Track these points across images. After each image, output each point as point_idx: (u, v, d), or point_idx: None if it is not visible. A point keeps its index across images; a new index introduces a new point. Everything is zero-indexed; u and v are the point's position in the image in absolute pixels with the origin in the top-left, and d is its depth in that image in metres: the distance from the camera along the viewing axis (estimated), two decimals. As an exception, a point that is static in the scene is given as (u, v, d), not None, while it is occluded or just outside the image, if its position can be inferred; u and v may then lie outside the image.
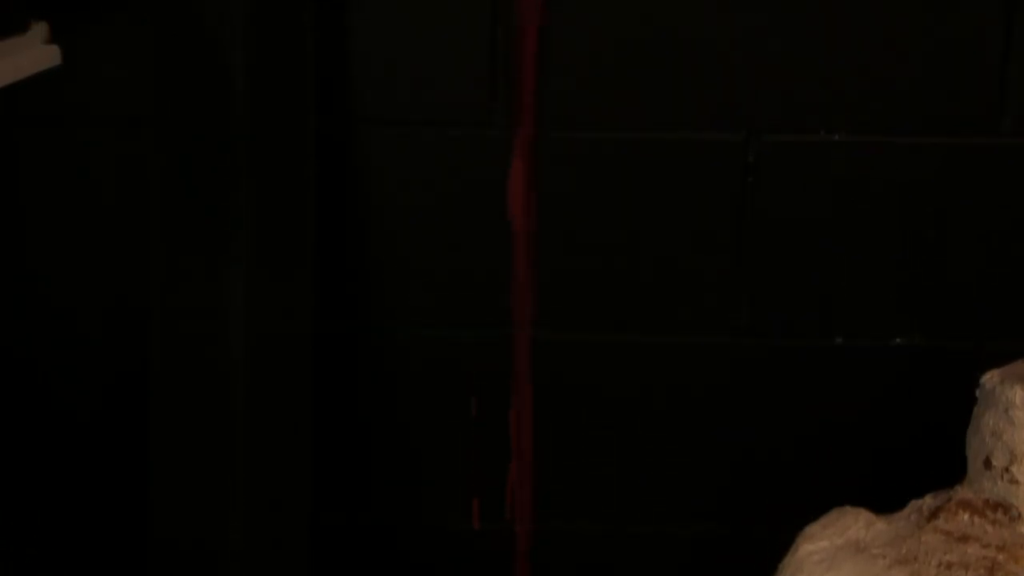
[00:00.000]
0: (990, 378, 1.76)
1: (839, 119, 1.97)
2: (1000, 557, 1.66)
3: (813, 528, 1.78)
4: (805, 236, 2.02)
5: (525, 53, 1.96)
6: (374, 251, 2.04)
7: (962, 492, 1.76)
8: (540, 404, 2.07)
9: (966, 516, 1.73)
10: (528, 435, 2.07)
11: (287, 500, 1.98)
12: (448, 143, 2.01)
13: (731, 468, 2.09)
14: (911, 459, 2.06)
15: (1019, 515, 1.71)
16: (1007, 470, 1.72)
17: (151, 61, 1.90)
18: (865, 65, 1.95)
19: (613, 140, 2.00)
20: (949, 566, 1.66)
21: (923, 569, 1.66)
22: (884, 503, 1.83)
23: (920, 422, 2.06)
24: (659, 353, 2.06)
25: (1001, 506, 1.72)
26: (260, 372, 1.91)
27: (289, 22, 1.90)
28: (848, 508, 1.81)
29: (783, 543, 1.78)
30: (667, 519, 2.10)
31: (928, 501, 1.79)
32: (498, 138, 1.99)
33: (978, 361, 1.81)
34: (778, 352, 2.05)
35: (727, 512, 2.10)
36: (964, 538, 1.70)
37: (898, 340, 2.04)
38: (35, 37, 1.87)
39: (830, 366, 2.05)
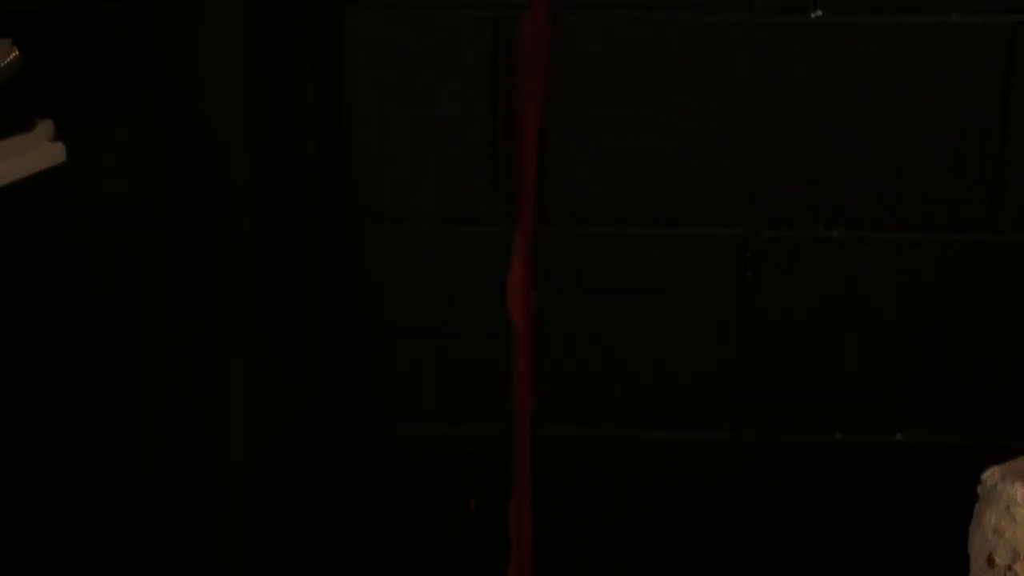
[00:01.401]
0: (991, 475, 1.75)
1: (838, 215, 1.98)
2: (1004, 656, 1.65)
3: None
4: (805, 331, 2.02)
5: (526, 148, 1.98)
6: (374, 346, 2.05)
7: (965, 590, 1.75)
8: (540, 499, 2.06)
9: (970, 614, 1.72)
10: (528, 531, 2.06)
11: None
12: (449, 238, 2.02)
13: (732, 565, 2.08)
14: (913, 556, 2.05)
15: (1023, 613, 1.70)
16: (1010, 568, 1.71)
17: (153, 157, 1.92)
18: (864, 161, 1.96)
19: (613, 236, 2.01)
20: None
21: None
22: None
23: (921, 519, 2.05)
24: (659, 449, 2.05)
25: (1005, 604, 1.71)
26: (259, 472, 1.91)
27: (290, 117, 1.92)
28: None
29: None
30: (668, 616, 2.09)
31: (931, 599, 1.78)
32: (498, 233, 2.00)
33: (979, 457, 1.80)
34: (778, 448, 2.05)
35: (729, 609, 2.09)
36: (968, 637, 1.69)
37: (898, 436, 2.04)
38: (40, 135, 1.89)
39: (830, 462, 2.05)
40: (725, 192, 1.99)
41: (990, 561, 1.73)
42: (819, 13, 1.92)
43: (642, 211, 2.00)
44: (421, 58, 1.97)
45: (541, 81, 1.95)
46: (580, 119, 1.97)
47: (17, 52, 1.86)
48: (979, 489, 1.76)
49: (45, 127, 1.90)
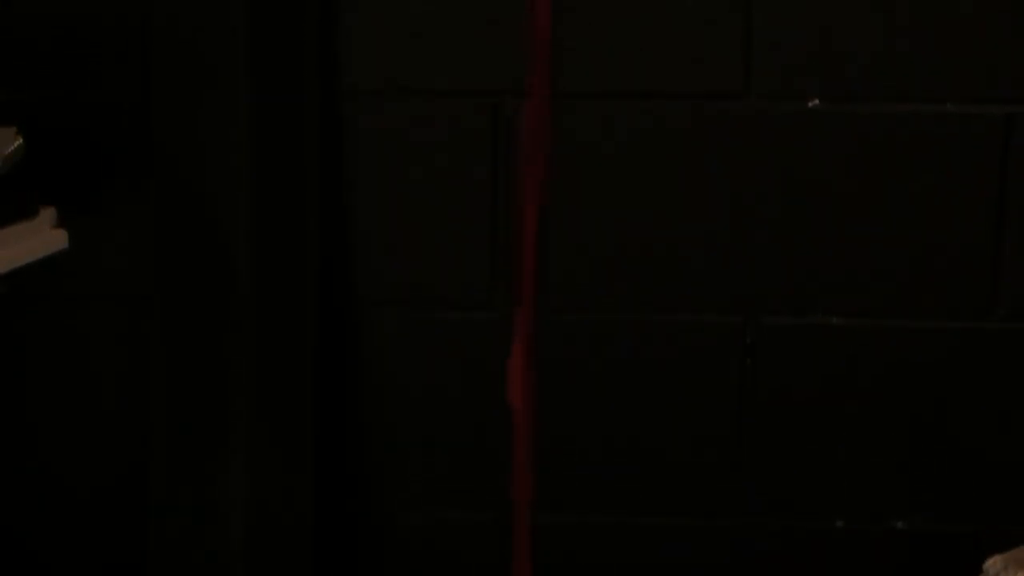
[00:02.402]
0: (993, 563, 1.75)
1: (836, 302, 1.99)
2: None
3: None
4: (805, 418, 2.02)
5: (525, 235, 1.98)
6: (374, 433, 2.05)
7: None
8: (540, 587, 2.05)
9: None
10: (528, 619, 2.05)
11: None
12: (448, 324, 2.03)
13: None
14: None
15: None
16: (1012, 657, 1.70)
17: (155, 243, 1.93)
18: (862, 249, 1.98)
19: (612, 322, 2.02)
20: None
21: None
22: None
23: (923, 607, 2.05)
24: (660, 535, 2.05)
25: None
26: (259, 562, 1.90)
27: (291, 204, 1.93)
28: None
29: None
30: None
31: None
32: (498, 319, 2.00)
33: (980, 546, 1.80)
34: (779, 534, 2.04)
35: None
36: None
37: (899, 523, 2.04)
38: (44, 222, 1.90)
39: (831, 549, 2.04)
40: (724, 279, 2.00)
41: (992, 650, 1.72)
42: (816, 102, 1.94)
43: (642, 298, 2.01)
44: (421, 145, 1.98)
45: (541, 168, 1.96)
46: (580, 206, 1.99)
47: (21, 140, 1.87)
48: (981, 578, 1.75)
49: (48, 214, 1.91)
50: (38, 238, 1.88)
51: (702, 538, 2.04)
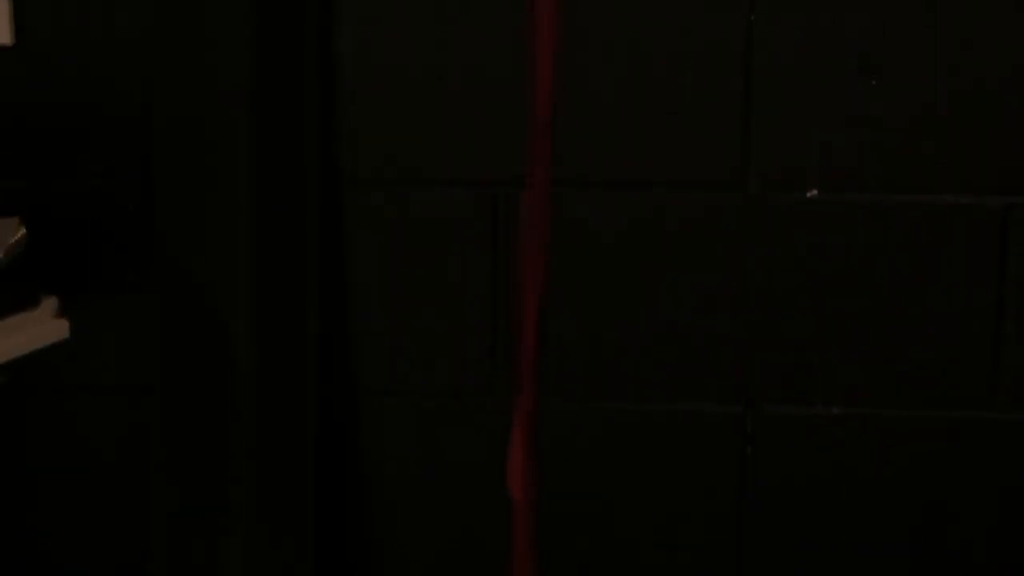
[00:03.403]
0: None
1: (837, 392, 1.99)
2: None
3: None
4: (806, 508, 2.01)
5: (526, 323, 1.98)
6: (374, 522, 2.04)
7: None
8: None
9: None
10: None
11: None
12: (449, 413, 2.03)
13: None
14: None
15: None
16: None
17: (157, 333, 1.93)
18: (862, 339, 1.98)
19: (613, 411, 2.02)
20: None
21: None
22: None
23: None
24: (661, 627, 2.04)
25: None
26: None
27: (293, 293, 1.94)
28: None
29: None
30: None
31: None
32: (498, 407, 2.00)
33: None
34: (781, 626, 2.04)
35: None
36: None
37: (902, 616, 2.03)
38: (45, 311, 1.90)
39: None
40: (724, 368, 2.00)
41: None
42: (815, 192, 1.95)
43: (642, 386, 2.01)
44: (422, 235, 1.99)
45: (541, 258, 1.97)
46: (580, 295, 1.99)
47: (24, 231, 1.88)
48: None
49: (50, 304, 1.92)
50: (39, 328, 1.88)
51: (704, 629, 2.04)
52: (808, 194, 1.95)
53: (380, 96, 1.96)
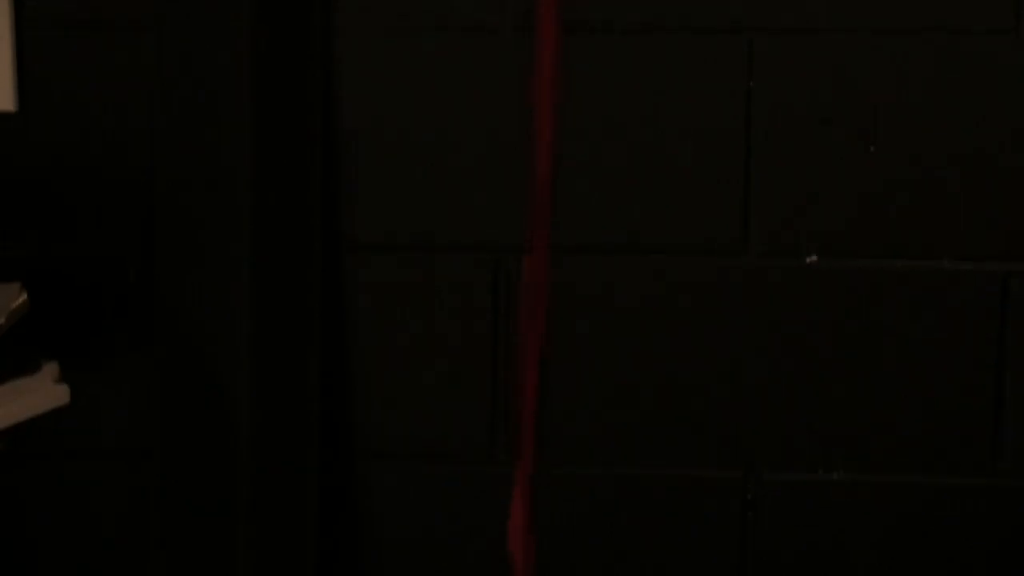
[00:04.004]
0: None
1: (838, 457, 1.99)
2: None
3: None
4: (807, 574, 2.01)
5: (526, 389, 1.98)
6: (375, 588, 2.04)
7: None
8: None
9: None
10: None
11: None
12: (449, 478, 2.02)
13: None
14: None
15: None
16: None
17: (157, 398, 1.93)
18: (862, 405, 1.98)
19: (613, 476, 2.02)
20: None
21: None
22: None
23: None
24: None
25: None
26: None
27: (294, 360, 1.94)
28: None
29: None
30: None
31: None
32: (499, 473, 1.99)
33: None
34: None
35: None
36: None
37: None
38: (46, 377, 1.90)
39: None
40: (725, 434, 2.00)
41: None
42: (814, 258, 1.96)
43: (643, 452, 2.01)
44: (423, 299, 2.00)
45: (542, 323, 1.97)
46: (581, 359, 1.99)
47: (25, 296, 1.88)
48: None
49: (50, 369, 1.91)
50: (40, 393, 1.88)
51: None
52: (808, 260, 1.96)
53: (382, 161, 1.97)
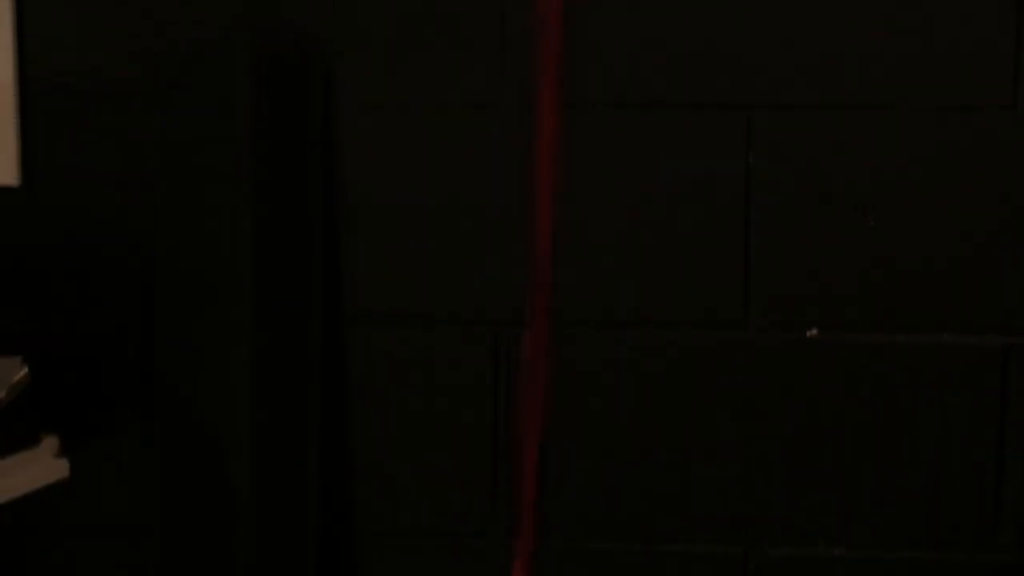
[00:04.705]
0: None
1: (839, 533, 1.98)
2: None
3: None
4: (809, 650, 2.00)
5: (526, 464, 1.98)
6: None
7: None
8: None
9: None
10: None
11: None
12: (450, 552, 2.02)
13: None
14: None
15: None
16: None
17: (157, 473, 1.93)
18: (863, 480, 1.97)
19: (613, 552, 2.01)
20: None
21: None
22: None
23: None
24: None
25: None
26: None
27: (294, 437, 1.94)
28: None
29: None
30: None
31: None
32: (499, 548, 1.99)
33: None
34: None
35: None
36: None
37: None
38: (46, 451, 1.90)
39: None
40: (726, 509, 1.99)
41: None
42: (814, 332, 1.96)
43: (643, 527, 2.00)
44: (423, 373, 2.00)
45: (541, 398, 1.97)
46: (580, 435, 1.99)
47: (26, 370, 1.89)
48: None
49: (50, 443, 1.91)
50: (39, 467, 1.88)
51: None
52: (808, 334, 1.96)
53: (383, 235, 1.97)
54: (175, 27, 1.95)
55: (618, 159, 1.95)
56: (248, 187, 1.87)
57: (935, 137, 1.92)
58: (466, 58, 1.94)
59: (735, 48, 1.92)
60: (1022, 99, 1.91)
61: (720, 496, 1.99)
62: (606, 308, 1.97)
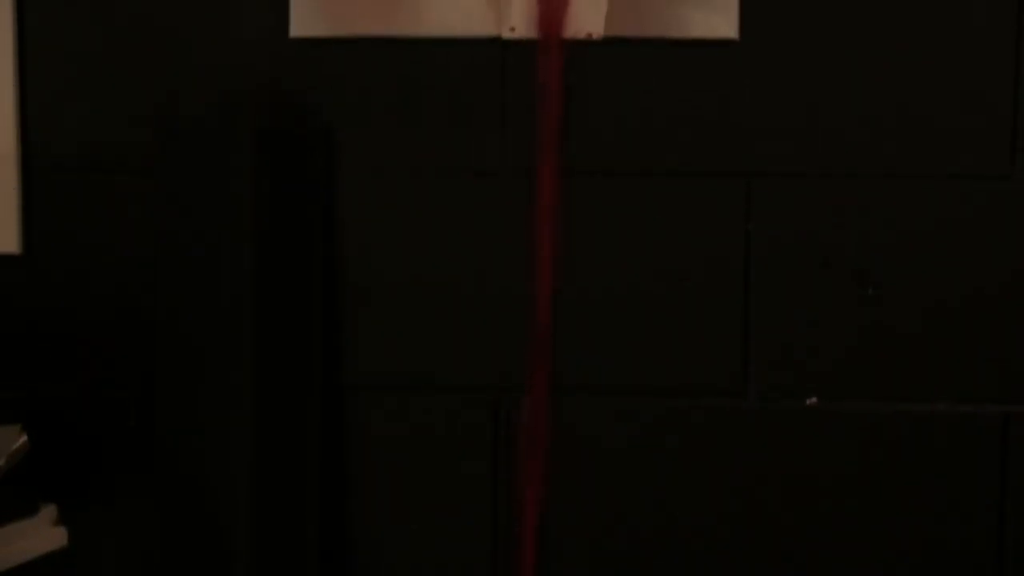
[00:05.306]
0: None
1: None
2: None
3: None
4: None
5: (526, 530, 1.97)
6: None
7: None
8: None
9: None
10: None
11: None
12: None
13: None
14: None
15: None
16: None
17: (156, 541, 1.92)
18: (865, 548, 1.96)
19: (614, 618, 2.01)
20: None
21: None
22: None
23: None
24: None
25: None
26: None
27: (292, 499, 1.93)
28: None
29: None
30: None
31: None
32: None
33: None
34: None
35: None
36: None
37: None
38: (44, 519, 1.89)
39: None
40: (725, 574, 1.98)
41: None
42: (814, 400, 1.96)
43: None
44: (423, 440, 1.99)
45: (541, 464, 1.97)
46: (579, 500, 1.99)
47: (25, 438, 1.88)
48: None
49: (48, 512, 1.91)
50: (38, 536, 1.87)
51: None
52: (807, 402, 1.96)
53: (382, 304, 1.98)
54: (176, 98, 1.96)
55: (618, 226, 1.95)
56: (249, 256, 1.88)
57: (933, 205, 1.93)
58: (466, 126, 1.95)
59: (735, 116, 1.93)
60: (1018, 170, 1.92)
61: (720, 562, 1.98)
62: (604, 375, 1.97)
